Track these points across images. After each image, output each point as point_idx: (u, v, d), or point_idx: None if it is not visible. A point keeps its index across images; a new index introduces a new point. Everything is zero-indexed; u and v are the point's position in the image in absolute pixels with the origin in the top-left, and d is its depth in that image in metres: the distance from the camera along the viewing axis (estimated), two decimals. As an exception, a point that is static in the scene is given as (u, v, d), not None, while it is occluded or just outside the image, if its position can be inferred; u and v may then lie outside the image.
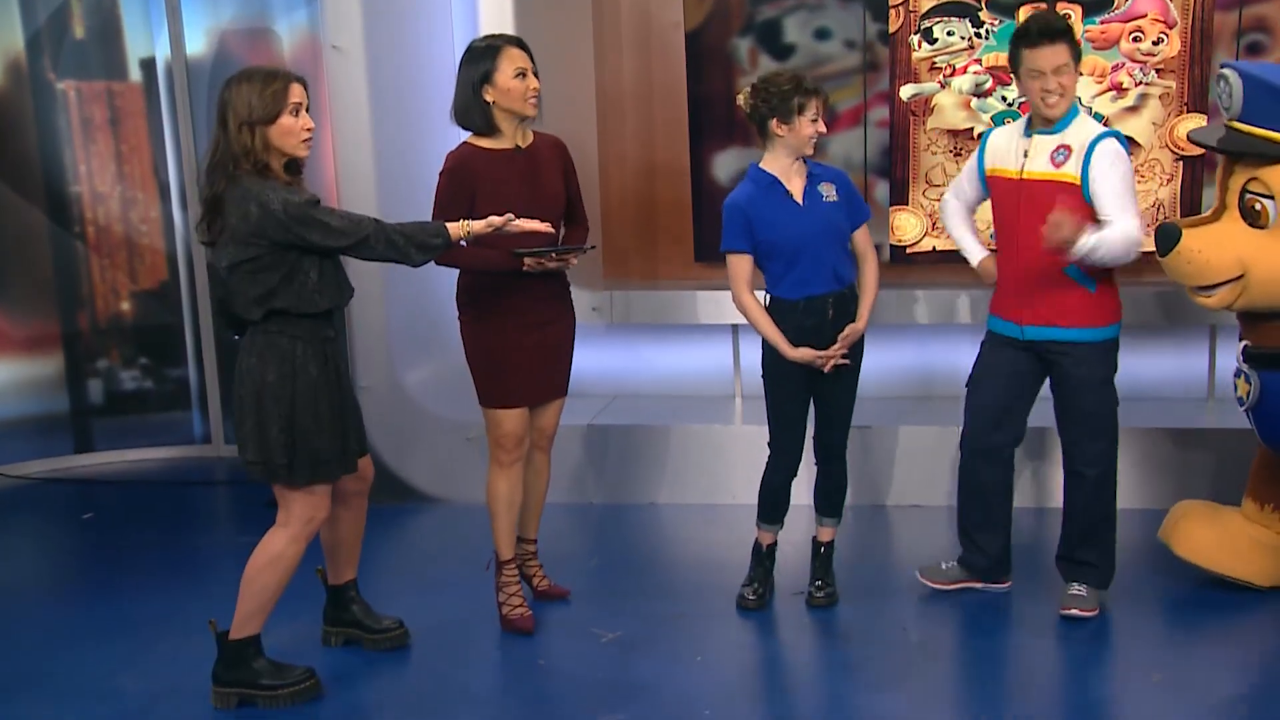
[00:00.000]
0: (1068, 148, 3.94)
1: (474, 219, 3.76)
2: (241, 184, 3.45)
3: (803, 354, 4.06)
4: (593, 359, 5.83)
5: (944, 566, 4.38)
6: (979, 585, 4.37)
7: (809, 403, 4.22)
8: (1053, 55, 3.86)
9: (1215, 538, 4.25)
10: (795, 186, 4.08)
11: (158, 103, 6.23)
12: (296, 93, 3.51)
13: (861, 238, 4.18)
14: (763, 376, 4.22)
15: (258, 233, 3.44)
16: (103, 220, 6.31)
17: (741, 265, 4.12)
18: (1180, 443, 5.15)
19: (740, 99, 4.08)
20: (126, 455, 6.46)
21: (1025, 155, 3.99)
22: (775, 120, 3.99)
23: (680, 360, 5.75)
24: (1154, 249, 4.09)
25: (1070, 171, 3.92)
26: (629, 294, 5.77)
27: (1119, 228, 3.86)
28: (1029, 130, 4.04)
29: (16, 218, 6.18)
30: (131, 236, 6.36)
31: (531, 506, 4.35)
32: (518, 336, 4.04)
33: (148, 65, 6.23)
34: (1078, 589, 4.16)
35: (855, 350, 4.16)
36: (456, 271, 4.11)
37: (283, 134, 3.49)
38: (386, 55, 5.30)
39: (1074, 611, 4.12)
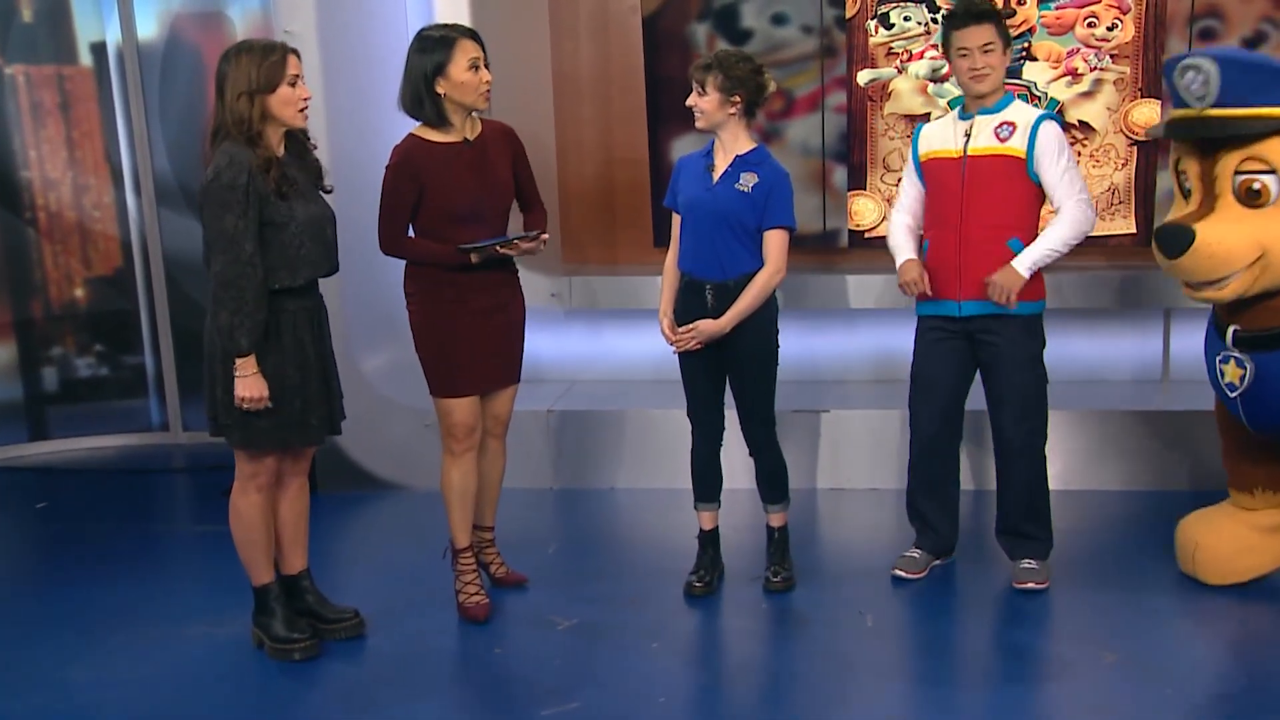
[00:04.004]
0: (1011, 124, 4.06)
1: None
2: (224, 147, 3.60)
3: (662, 326, 4.16)
4: (552, 344, 5.82)
5: (915, 555, 4.41)
6: (938, 562, 4.45)
7: (719, 380, 4.21)
8: (979, 34, 4.01)
9: (1233, 548, 4.19)
10: (720, 164, 4.10)
11: (109, 87, 6.15)
12: (294, 64, 3.66)
13: (769, 241, 4.05)
14: None
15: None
16: (54, 206, 6.23)
17: (674, 220, 4.21)
18: (1135, 424, 5.19)
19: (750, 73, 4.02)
20: (82, 443, 6.41)
21: (967, 136, 4.08)
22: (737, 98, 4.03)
23: (639, 345, 5.72)
24: (1161, 251, 3.87)
25: (1016, 146, 4.04)
26: (588, 279, 5.75)
27: (1065, 219, 4.03)
28: (965, 114, 4.13)
29: (-34, 204, 6.11)
30: (84, 223, 6.28)
31: (487, 494, 4.32)
32: (466, 325, 4.01)
33: (98, 49, 6.15)
34: (1028, 563, 4.24)
35: (754, 345, 4.11)
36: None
37: (281, 103, 3.63)
38: (339, 40, 5.25)
39: (1030, 585, 4.19)
